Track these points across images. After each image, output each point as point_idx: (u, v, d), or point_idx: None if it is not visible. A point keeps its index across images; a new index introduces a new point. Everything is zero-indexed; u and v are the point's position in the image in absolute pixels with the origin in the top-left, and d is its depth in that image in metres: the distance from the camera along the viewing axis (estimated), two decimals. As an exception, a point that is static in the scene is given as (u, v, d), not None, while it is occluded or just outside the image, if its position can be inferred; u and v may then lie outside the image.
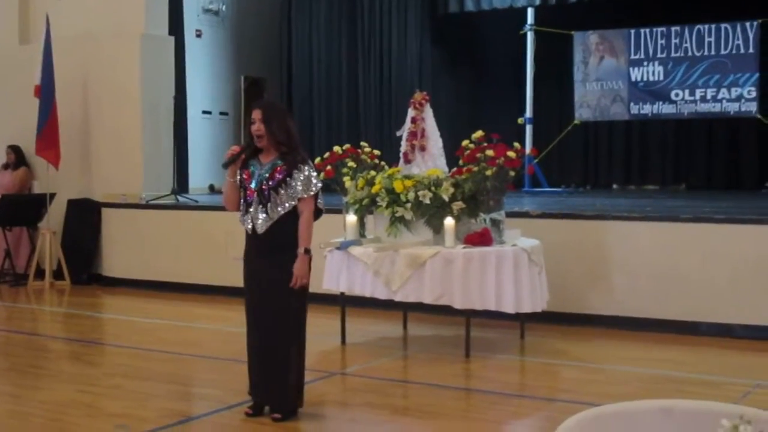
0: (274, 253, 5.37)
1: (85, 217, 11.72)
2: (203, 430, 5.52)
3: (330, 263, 7.63)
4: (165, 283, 10.90)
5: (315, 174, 5.48)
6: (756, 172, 14.29)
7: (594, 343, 7.86)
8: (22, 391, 6.47)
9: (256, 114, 5.43)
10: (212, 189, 13.63)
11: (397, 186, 7.31)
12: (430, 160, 7.67)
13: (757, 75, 13.61)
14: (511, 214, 8.07)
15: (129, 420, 5.49)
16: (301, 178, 5.37)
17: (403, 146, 7.81)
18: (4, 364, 7.65)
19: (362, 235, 7.70)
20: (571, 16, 14.84)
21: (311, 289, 5.57)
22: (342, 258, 7.51)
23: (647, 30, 14.34)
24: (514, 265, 7.10)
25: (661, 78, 14.28)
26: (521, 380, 6.97)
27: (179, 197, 11.69)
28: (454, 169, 7.47)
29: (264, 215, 5.37)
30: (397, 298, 7.25)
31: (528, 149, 13.67)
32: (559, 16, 14.86)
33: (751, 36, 13.62)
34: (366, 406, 6.03)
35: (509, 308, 7.12)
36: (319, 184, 5.50)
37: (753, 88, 13.65)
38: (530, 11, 14.99)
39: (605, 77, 14.69)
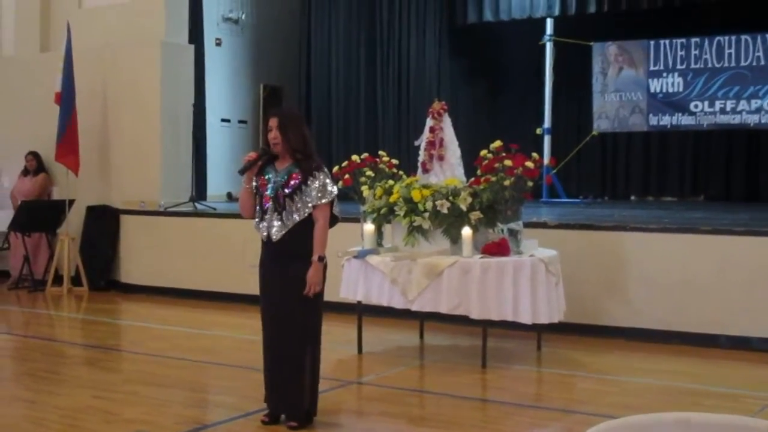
0: (289, 261, 5.36)
1: (103, 224, 11.77)
2: (219, 438, 5.54)
3: (347, 272, 7.63)
4: (182, 290, 10.94)
5: (330, 181, 5.46)
6: (774, 183, 14.25)
7: (611, 355, 7.83)
8: (39, 396, 6.48)
9: (273, 122, 5.44)
10: (230, 197, 13.68)
11: (415, 195, 7.31)
12: (449, 170, 7.67)
13: (777, 86, 13.57)
14: (528, 225, 8.06)
15: (146, 426, 5.51)
16: (317, 185, 5.36)
17: (422, 155, 7.82)
18: (22, 369, 7.70)
19: (380, 244, 7.70)
20: (590, 27, 14.84)
21: (328, 298, 5.57)
22: (359, 267, 7.52)
23: (667, 41, 14.33)
24: (531, 275, 7.08)
25: (681, 89, 14.25)
26: (538, 391, 6.95)
27: (197, 204, 11.74)
28: (472, 178, 7.45)
29: (279, 223, 5.37)
30: (414, 307, 7.23)
31: (546, 159, 13.67)
32: (578, 26, 14.87)
33: (771, 48, 13.57)
34: (382, 416, 6.02)
35: (526, 319, 7.10)
36: (335, 192, 5.47)
37: (773, 100, 13.60)
38: (549, 22, 15.03)
39: (624, 88, 14.67)
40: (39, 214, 11.82)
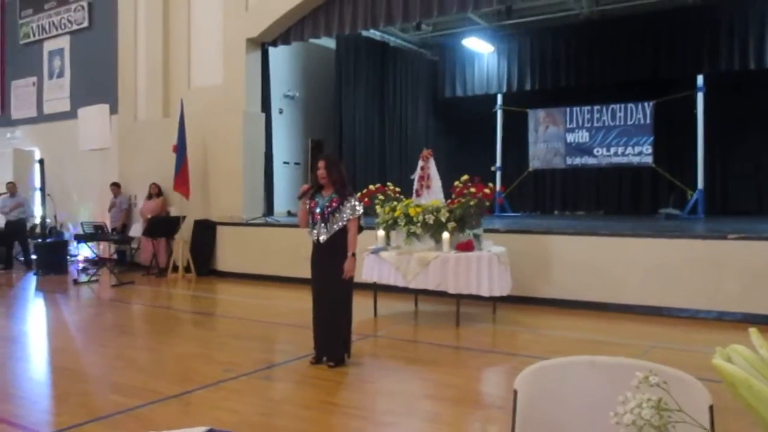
0: (331, 256, 5.39)
1: (205, 231, 11.78)
2: (282, 373, 5.52)
3: (367, 262, 7.62)
4: (257, 275, 10.95)
5: (358, 203, 5.49)
6: (650, 203, 14.24)
7: (541, 316, 7.81)
8: (161, 346, 6.51)
9: (321, 164, 5.48)
10: (289, 213, 13.67)
11: (411, 212, 7.33)
12: (433, 195, 7.68)
13: (652, 138, 13.56)
14: (487, 230, 8.05)
15: (233, 366, 5.52)
16: (349, 206, 5.40)
17: (415, 185, 7.83)
18: (149, 328, 7.72)
19: (388, 244, 7.70)
20: (526, 99, 14.87)
21: (355, 279, 5.58)
22: (375, 259, 7.52)
23: (578, 108, 14.33)
24: (488, 264, 7.08)
25: (587, 140, 14.24)
26: (493, 341, 6.92)
27: (267, 218, 11.75)
28: (449, 200, 7.47)
29: (324, 231, 5.40)
30: (411, 285, 7.24)
31: (498, 187, 13.62)
32: (518, 99, 14.91)
33: (647, 112, 13.58)
34: (390, 358, 6.01)
35: (485, 293, 7.09)
36: (361, 210, 5.51)
37: (649, 147, 13.60)
38: (499, 96, 15.08)
39: (549, 140, 14.66)
40: (162, 225, 11.86)
